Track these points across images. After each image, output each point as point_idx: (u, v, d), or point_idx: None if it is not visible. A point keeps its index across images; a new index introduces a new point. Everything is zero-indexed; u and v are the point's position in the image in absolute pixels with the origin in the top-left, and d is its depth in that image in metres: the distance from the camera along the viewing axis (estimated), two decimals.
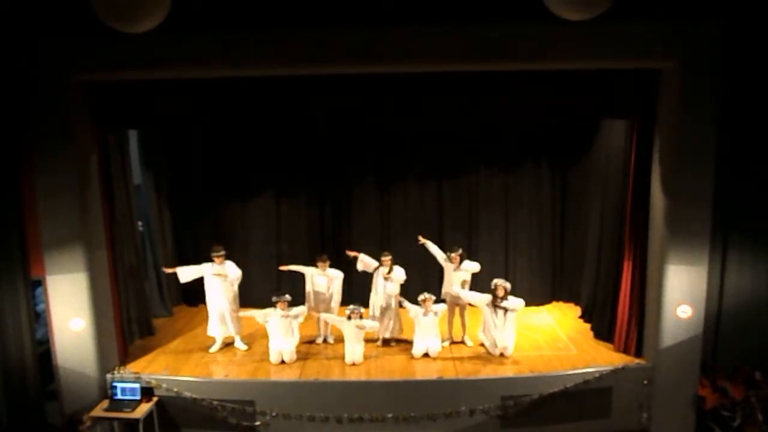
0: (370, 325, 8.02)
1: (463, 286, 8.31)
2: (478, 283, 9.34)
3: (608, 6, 4.45)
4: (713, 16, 6.52)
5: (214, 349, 8.45)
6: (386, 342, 8.57)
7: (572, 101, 7.41)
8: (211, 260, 8.29)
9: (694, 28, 6.57)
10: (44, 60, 6.68)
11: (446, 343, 8.39)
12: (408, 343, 8.39)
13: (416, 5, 6.40)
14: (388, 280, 8.35)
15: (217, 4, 6.40)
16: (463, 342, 8.56)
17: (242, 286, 8.59)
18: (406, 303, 8.18)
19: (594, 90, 7.31)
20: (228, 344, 8.52)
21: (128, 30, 4.58)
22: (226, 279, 8.27)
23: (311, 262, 8.63)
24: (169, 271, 8.49)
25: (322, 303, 8.50)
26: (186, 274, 8.37)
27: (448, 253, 8.41)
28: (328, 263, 8.53)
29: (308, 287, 8.55)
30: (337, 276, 8.56)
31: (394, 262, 8.59)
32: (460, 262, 8.38)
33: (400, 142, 9.64)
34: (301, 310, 8.00)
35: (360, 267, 8.59)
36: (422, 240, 8.55)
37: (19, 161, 6.89)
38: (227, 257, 8.36)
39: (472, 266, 8.46)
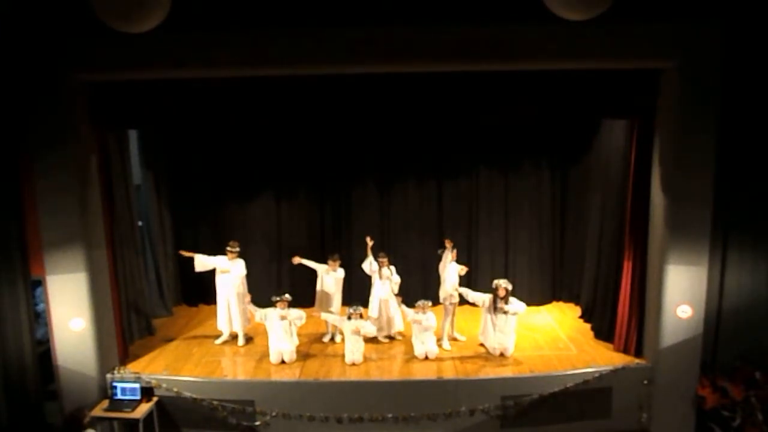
0: (368, 329, 8.02)
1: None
2: (478, 283, 9.38)
3: (608, 6, 4.44)
4: (713, 16, 6.52)
5: (219, 341, 8.63)
6: (389, 338, 8.67)
7: (572, 101, 7.41)
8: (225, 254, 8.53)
9: (694, 28, 6.58)
10: (44, 60, 6.69)
11: (447, 346, 8.38)
12: (408, 343, 8.40)
13: (416, 5, 6.40)
14: (383, 280, 8.44)
15: (217, 4, 6.40)
16: (455, 339, 8.60)
17: None
18: (403, 307, 8.18)
19: (594, 90, 7.31)
20: (235, 338, 8.69)
21: (128, 30, 4.58)
22: (230, 275, 8.44)
23: (322, 261, 8.71)
24: (186, 254, 8.55)
25: (326, 302, 8.54)
26: (201, 262, 8.54)
27: (442, 251, 8.44)
28: (338, 263, 8.57)
29: (318, 285, 8.62)
30: (340, 276, 8.61)
31: (395, 262, 8.60)
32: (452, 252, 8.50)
33: (400, 142, 9.65)
34: (299, 314, 8.00)
35: (365, 264, 8.62)
36: (448, 245, 8.44)
37: (19, 161, 6.90)
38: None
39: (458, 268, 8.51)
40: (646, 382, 7.33)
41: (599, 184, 9.04)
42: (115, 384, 7.31)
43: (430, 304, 8.10)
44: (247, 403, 7.23)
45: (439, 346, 8.22)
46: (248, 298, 8.16)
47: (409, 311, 8.05)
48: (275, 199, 10.10)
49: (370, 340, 8.42)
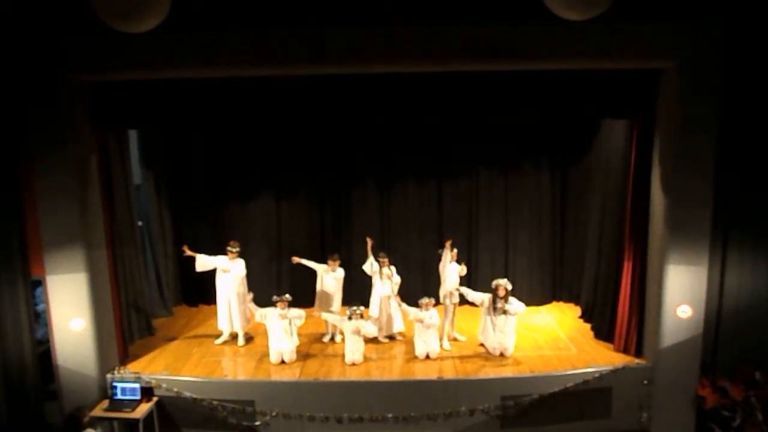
0: (369, 329, 8.02)
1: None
2: (478, 283, 9.38)
3: (608, 6, 4.44)
4: (713, 16, 6.52)
5: (219, 341, 8.64)
6: (390, 337, 8.68)
7: (572, 101, 7.41)
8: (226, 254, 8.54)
9: (694, 28, 6.57)
10: (45, 60, 6.68)
11: (447, 346, 8.38)
12: (408, 343, 8.40)
13: (416, 5, 6.40)
14: (384, 279, 8.43)
15: (217, 4, 6.40)
16: (455, 339, 8.60)
17: None
18: (404, 306, 8.18)
19: (594, 90, 7.31)
20: (235, 337, 8.70)
21: (128, 30, 4.58)
22: (230, 275, 8.46)
23: (322, 261, 8.71)
24: (189, 253, 8.51)
25: (326, 302, 8.54)
26: (202, 262, 8.52)
27: (442, 251, 8.44)
28: (338, 263, 8.57)
29: (318, 285, 8.62)
30: (340, 275, 8.62)
31: (395, 262, 8.60)
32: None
33: (400, 142, 9.64)
34: (298, 313, 8.00)
35: (366, 265, 8.63)
36: (448, 245, 8.45)
37: (19, 161, 6.90)
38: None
39: (458, 268, 8.52)
40: (646, 382, 7.33)
41: (599, 184, 9.04)
42: (115, 384, 7.31)
43: (433, 301, 8.09)
44: (247, 403, 7.23)
45: (440, 346, 8.22)
46: (249, 297, 8.15)
47: (411, 309, 8.05)
48: (275, 199, 10.10)
49: (370, 340, 8.41)
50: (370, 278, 8.69)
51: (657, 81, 7.17)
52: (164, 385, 7.33)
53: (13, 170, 6.87)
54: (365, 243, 8.58)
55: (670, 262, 7.07)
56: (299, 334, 8.14)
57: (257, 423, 7.26)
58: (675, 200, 6.99)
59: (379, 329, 8.51)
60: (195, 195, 10.06)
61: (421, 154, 9.81)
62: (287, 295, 7.98)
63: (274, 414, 7.24)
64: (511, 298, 7.98)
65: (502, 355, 8.00)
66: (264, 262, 10.09)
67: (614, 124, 8.46)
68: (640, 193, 7.55)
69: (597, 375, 7.30)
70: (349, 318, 7.90)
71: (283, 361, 7.91)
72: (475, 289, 8.50)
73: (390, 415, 7.19)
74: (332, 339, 8.67)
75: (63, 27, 6.47)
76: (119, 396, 7.27)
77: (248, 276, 8.73)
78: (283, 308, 7.86)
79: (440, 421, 7.21)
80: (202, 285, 9.52)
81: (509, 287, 7.96)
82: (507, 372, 7.62)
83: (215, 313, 8.80)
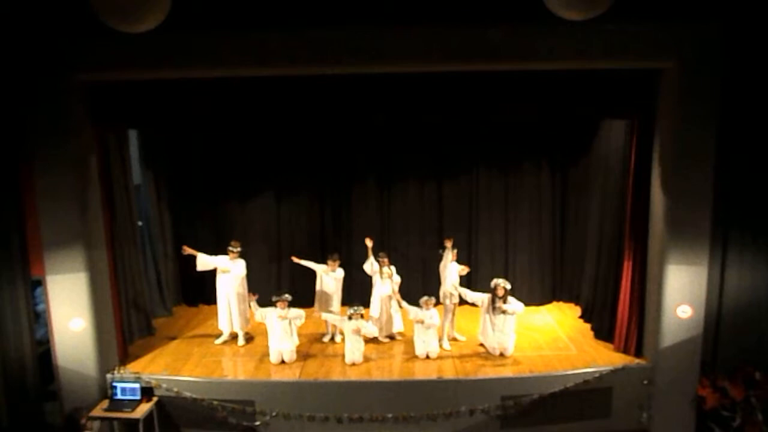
0: (369, 330, 8.02)
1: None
2: (478, 283, 9.38)
3: (608, 6, 4.45)
4: (713, 17, 6.52)
5: (219, 341, 8.64)
6: (390, 337, 8.68)
7: (572, 101, 7.41)
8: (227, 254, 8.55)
9: (694, 28, 6.58)
10: (44, 60, 6.69)
11: (447, 346, 8.38)
12: (408, 343, 8.40)
13: (416, 5, 6.40)
14: (384, 279, 8.43)
15: (217, 4, 6.40)
16: (455, 339, 8.60)
17: None
18: (405, 305, 8.18)
19: (594, 90, 7.31)
20: (235, 337, 8.70)
21: (128, 30, 4.58)
22: (230, 274, 8.46)
23: (322, 261, 8.71)
24: (189, 252, 8.48)
25: (326, 302, 8.54)
26: (203, 261, 8.52)
27: (442, 251, 8.43)
28: (338, 263, 8.57)
29: (318, 285, 8.62)
30: (340, 275, 8.62)
31: (395, 262, 8.61)
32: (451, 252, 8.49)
33: (400, 142, 9.65)
34: (298, 313, 8.00)
35: (366, 265, 8.65)
36: (449, 245, 8.48)
37: (19, 161, 6.90)
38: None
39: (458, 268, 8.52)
40: (646, 382, 7.33)
41: (599, 184, 9.03)
42: (115, 384, 7.31)
43: (434, 300, 8.09)
44: (247, 403, 7.23)
45: (439, 346, 8.22)
46: (252, 297, 8.13)
47: (412, 309, 8.05)
48: (275, 199, 10.10)
49: (371, 340, 8.42)
50: (370, 278, 8.70)
51: (657, 81, 7.18)
52: (164, 385, 7.33)
53: (13, 170, 6.87)
54: (365, 243, 8.58)
55: (670, 262, 7.08)
56: (299, 334, 8.15)
57: (257, 423, 7.26)
58: (675, 200, 7.00)
59: (379, 329, 8.51)
60: (195, 195, 10.06)
61: (421, 154, 9.81)
62: (287, 295, 7.98)
63: (274, 414, 7.24)
64: (510, 298, 7.98)
65: (501, 355, 8.00)
66: (264, 262, 10.09)
67: (614, 124, 8.46)
68: (640, 193, 7.55)
69: (597, 375, 7.30)
70: (350, 318, 7.90)
71: (283, 361, 7.91)
72: (474, 289, 8.51)
73: (390, 415, 7.20)
74: (332, 339, 8.68)
75: (63, 27, 6.46)
76: (119, 396, 7.27)
77: (248, 276, 8.72)
78: (282, 308, 7.86)
79: (440, 421, 7.21)
80: (202, 285, 9.53)
81: (508, 287, 7.96)
82: (507, 372, 7.62)
83: (215, 313, 8.81)
